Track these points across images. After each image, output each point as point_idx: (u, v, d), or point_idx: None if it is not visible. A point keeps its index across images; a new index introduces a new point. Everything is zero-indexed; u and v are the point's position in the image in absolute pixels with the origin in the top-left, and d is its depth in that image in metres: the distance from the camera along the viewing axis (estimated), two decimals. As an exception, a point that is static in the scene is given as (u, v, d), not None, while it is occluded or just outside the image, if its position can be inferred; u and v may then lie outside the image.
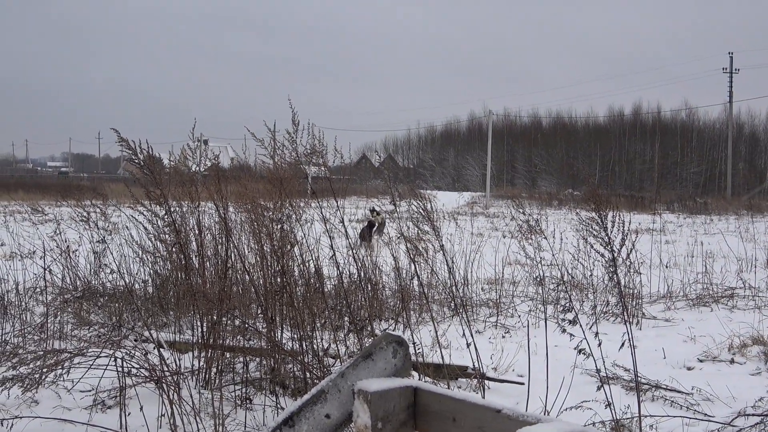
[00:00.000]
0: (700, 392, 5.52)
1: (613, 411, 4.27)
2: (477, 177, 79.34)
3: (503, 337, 7.51)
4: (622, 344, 4.27)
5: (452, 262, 8.90)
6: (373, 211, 15.87)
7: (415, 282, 7.99)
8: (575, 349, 4.15)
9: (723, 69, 60.21)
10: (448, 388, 5.04)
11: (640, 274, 9.76)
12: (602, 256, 4.37)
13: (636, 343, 7.24)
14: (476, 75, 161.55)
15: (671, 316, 8.60)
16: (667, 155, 77.07)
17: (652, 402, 5.41)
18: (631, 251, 4.49)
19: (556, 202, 38.81)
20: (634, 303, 8.43)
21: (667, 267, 12.09)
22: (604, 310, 8.50)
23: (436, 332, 5.44)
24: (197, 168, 7.14)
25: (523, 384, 5.35)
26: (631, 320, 8.16)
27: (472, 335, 4.97)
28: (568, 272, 9.43)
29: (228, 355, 5.52)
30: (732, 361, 6.66)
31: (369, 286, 7.82)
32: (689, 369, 6.49)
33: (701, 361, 6.70)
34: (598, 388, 4.24)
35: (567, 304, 4.39)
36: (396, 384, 1.83)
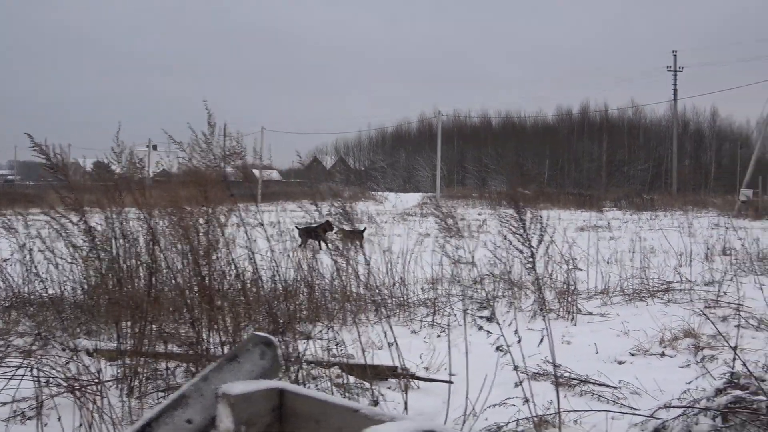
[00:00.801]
0: (628, 386, 5.54)
1: (531, 407, 4.26)
2: (428, 178, 79.78)
3: (438, 336, 7.49)
4: (541, 340, 4.28)
5: (389, 263, 8.95)
6: (327, 223, 13.45)
7: (353, 283, 7.97)
8: (493, 345, 4.14)
9: (667, 67, 61.47)
10: (371, 389, 5.02)
11: (579, 270, 9.87)
12: (521, 252, 4.37)
13: (570, 339, 7.38)
14: (428, 78, 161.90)
15: (607, 312, 8.65)
16: (615, 153, 78.40)
17: (581, 397, 5.43)
18: (549, 247, 4.50)
19: (505, 202, 39.09)
20: (570, 299, 8.46)
21: (608, 263, 12.23)
22: (541, 306, 8.52)
23: (358, 333, 5.43)
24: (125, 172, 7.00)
25: (452, 382, 5.33)
26: (566, 316, 8.26)
27: (393, 335, 4.95)
28: (496, 270, 9.40)
29: (153, 362, 5.41)
30: (663, 355, 6.74)
31: (306, 289, 7.75)
32: (620, 363, 6.54)
33: (633, 355, 6.77)
34: (516, 385, 4.24)
35: (483, 302, 4.38)
36: (261, 386, 1.78)
